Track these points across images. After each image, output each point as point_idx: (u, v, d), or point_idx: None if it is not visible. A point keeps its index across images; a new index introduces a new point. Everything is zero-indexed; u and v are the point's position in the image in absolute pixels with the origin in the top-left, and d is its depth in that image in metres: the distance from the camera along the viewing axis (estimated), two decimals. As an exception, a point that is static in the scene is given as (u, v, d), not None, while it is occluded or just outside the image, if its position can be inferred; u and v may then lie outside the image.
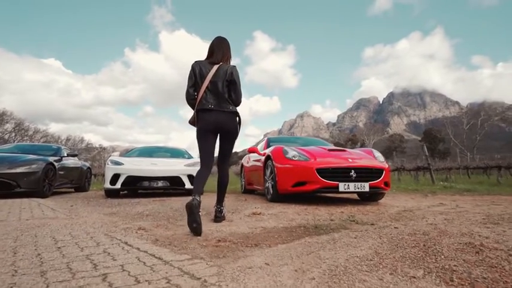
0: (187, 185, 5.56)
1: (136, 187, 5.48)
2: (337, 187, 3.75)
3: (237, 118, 2.76)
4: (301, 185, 3.93)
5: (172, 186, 5.52)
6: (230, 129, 2.70)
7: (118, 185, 5.32)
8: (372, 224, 2.61)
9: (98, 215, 3.22)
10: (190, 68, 2.71)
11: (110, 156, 6.25)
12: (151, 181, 5.42)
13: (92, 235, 2.14)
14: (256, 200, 4.67)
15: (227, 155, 2.87)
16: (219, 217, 2.81)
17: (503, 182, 10.05)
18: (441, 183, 9.91)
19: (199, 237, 2.12)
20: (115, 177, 5.35)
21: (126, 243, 1.91)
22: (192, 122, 2.75)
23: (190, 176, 5.62)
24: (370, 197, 4.61)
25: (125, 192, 6.35)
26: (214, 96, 2.63)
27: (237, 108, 2.77)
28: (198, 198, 2.34)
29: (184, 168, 5.68)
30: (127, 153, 6.92)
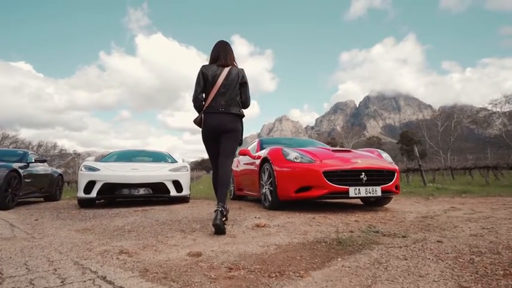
0: (173, 192, 4.98)
1: (114, 195, 4.84)
2: (347, 192, 3.34)
3: (241, 121, 2.79)
4: (305, 190, 3.49)
5: (156, 193, 4.93)
6: (232, 129, 2.69)
7: (93, 194, 4.66)
8: (404, 237, 2.20)
9: (68, 232, 2.63)
10: (198, 72, 2.70)
11: (84, 161, 5.56)
12: (131, 188, 4.80)
13: (57, 265, 1.59)
14: (252, 208, 4.19)
15: (229, 154, 2.72)
16: (219, 219, 2.34)
17: (490, 182, 10.11)
18: (431, 184, 9.83)
19: (202, 264, 1.62)
20: (90, 185, 4.70)
21: (104, 278, 1.38)
22: (198, 122, 2.76)
23: (175, 182, 5.05)
24: (375, 202, 4.24)
25: (101, 201, 5.67)
26: (225, 98, 2.65)
27: (244, 110, 2.83)
28: (220, 208, 2.38)
29: (168, 173, 5.11)
30: (103, 157, 6.23)
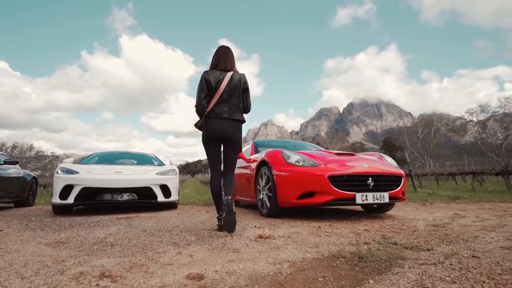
0: (160, 198, 4.59)
1: (94, 201, 4.38)
2: (354, 198, 3.09)
3: (241, 127, 2.79)
4: (308, 196, 3.21)
5: (142, 199, 4.51)
6: (234, 138, 2.70)
7: (70, 200, 4.20)
8: (429, 250, 1.95)
9: (37, 247, 2.22)
10: (201, 78, 2.66)
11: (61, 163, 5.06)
12: (114, 193, 4.37)
13: (18, 296, 1.23)
14: (248, 216, 3.87)
15: (232, 165, 2.78)
16: (229, 212, 2.38)
17: (476, 188, 10.21)
18: (419, 189, 9.82)
19: (208, 290, 1.30)
20: (66, 189, 4.22)
21: (80, 316, 1.04)
22: (199, 126, 2.74)
23: (163, 187, 4.66)
24: (377, 208, 4.03)
25: (79, 207, 5.19)
26: (228, 104, 2.65)
27: (245, 116, 2.84)
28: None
29: (156, 177, 4.71)
30: (83, 159, 5.74)
